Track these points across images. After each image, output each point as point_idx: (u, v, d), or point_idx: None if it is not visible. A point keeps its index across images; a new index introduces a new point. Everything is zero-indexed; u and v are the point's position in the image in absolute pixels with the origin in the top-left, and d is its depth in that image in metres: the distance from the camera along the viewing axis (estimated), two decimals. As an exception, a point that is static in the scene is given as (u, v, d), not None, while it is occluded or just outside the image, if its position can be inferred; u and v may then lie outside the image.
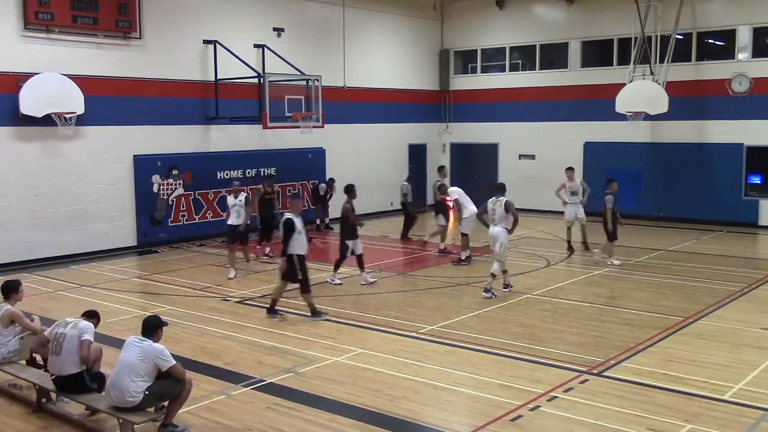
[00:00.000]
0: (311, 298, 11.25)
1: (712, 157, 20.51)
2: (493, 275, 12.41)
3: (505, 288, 12.65)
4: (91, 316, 7.68)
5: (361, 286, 13.35)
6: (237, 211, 14.53)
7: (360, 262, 13.55)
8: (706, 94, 20.74)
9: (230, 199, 14.74)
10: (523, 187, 23.94)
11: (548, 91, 23.57)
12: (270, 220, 16.36)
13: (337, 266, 13.63)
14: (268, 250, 16.49)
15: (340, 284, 13.49)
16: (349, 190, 13.89)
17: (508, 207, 12.51)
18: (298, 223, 11.00)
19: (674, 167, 21.08)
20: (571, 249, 16.50)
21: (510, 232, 12.65)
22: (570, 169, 17.16)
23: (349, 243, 13.46)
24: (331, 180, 20.85)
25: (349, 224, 13.47)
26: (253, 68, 18.74)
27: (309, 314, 11.22)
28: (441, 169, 18.89)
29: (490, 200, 12.82)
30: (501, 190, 12.84)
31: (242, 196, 14.63)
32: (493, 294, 12.29)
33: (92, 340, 7.38)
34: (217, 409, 7.64)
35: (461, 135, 25.83)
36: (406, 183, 19.20)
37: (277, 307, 11.34)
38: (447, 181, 18.85)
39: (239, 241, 14.76)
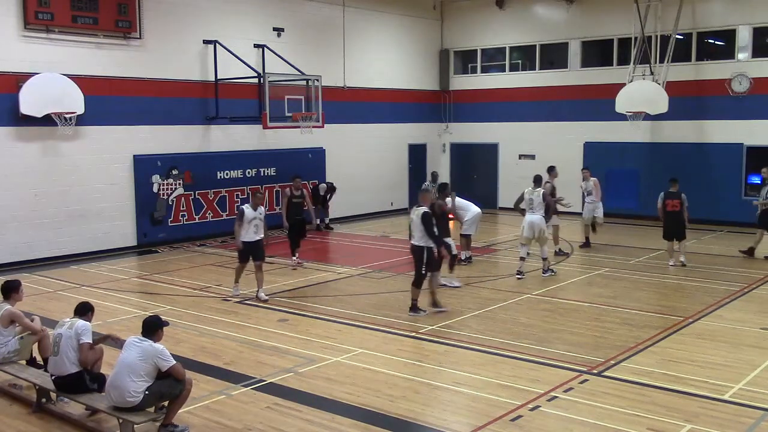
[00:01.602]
0: (419, 293, 11.41)
1: (712, 157, 20.51)
2: (545, 259, 14.04)
3: (544, 273, 13.95)
4: (84, 311, 7.59)
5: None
6: (256, 225, 12.40)
7: (451, 262, 13.22)
8: (706, 94, 20.74)
9: (249, 212, 12.34)
10: (523, 187, 23.96)
11: (548, 91, 23.58)
12: (299, 225, 15.43)
13: (450, 266, 13.19)
14: (295, 258, 15.43)
15: (459, 286, 13.20)
16: (444, 188, 13.73)
17: (544, 197, 14.10)
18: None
19: (674, 167, 21.03)
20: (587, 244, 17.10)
21: (547, 219, 14.11)
22: (584, 170, 17.81)
23: (449, 241, 13.04)
24: (332, 185, 20.81)
25: (445, 223, 13.20)
26: (253, 68, 18.75)
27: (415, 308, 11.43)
28: (434, 175, 19.16)
29: (526, 190, 14.21)
30: (538, 181, 14.39)
31: (262, 209, 12.58)
32: (552, 272, 14.01)
33: (91, 341, 7.36)
34: (217, 409, 7.65)
35: (461, 135, 25.83)
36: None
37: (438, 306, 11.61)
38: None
39: (256, 259, 12.55)
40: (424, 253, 11.11)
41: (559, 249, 16.37)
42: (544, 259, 14.09)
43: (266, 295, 12.48)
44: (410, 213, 11.65)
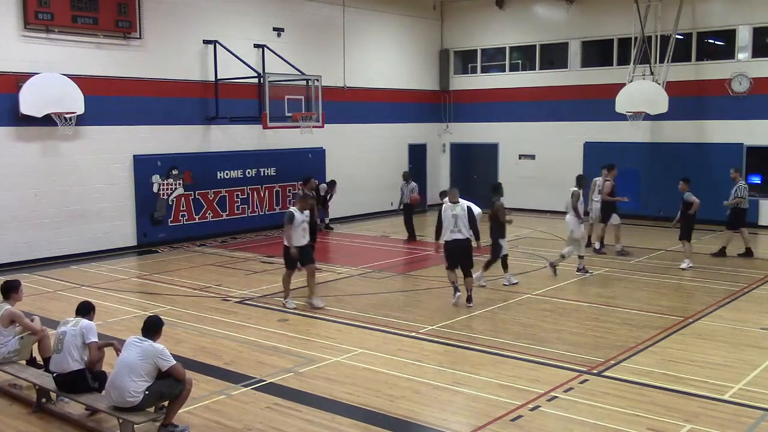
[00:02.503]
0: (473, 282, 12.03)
1: (712, 157, 20.49)
2: (562, 256, 14.11)
3: (578, 271, 14.05)
4: (86, 311, 7.62)
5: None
6: (304, 229, 11.86)
7: (505, 262, 13.35)
8: (706, 94, 20.74)
9: (298, 215, 11.79)
10: (523, 187, 24.03)
11: (548, 91, 23.57)
12: (311, 228, 15.40)
13: (490, 266, 13.34)
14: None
15: (516, 283, 13.32)
16: (497, 188, 13.71)
17: (572, 195, 14.04)
18: (477, 208, 12.16)
19: (674, 167, 21.05)
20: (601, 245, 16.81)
21: (576, 218, 13.87)
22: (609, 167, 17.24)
23: (502, 242, 13.21)
24: (333, 182, 20.84)
25: (501, 223, 13.25)
26: (253, 68, 18.74)
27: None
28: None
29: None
30: (576, 181, 14.54)
31: (307, 211, 12.15)
32: (586, 271, 14.05)
33: (98, 341, 7.41)
34: (217, 409, 7.65)
35: (461, 135, 25.83)
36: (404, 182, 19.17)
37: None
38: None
39: (306, 264, 11.96)
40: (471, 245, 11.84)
41: (622, 248, 16.28)
42: (561, 257, 14.19)
43: (322, 302, 11.94)
44: (444, 210, 11.83)
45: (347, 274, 14.60)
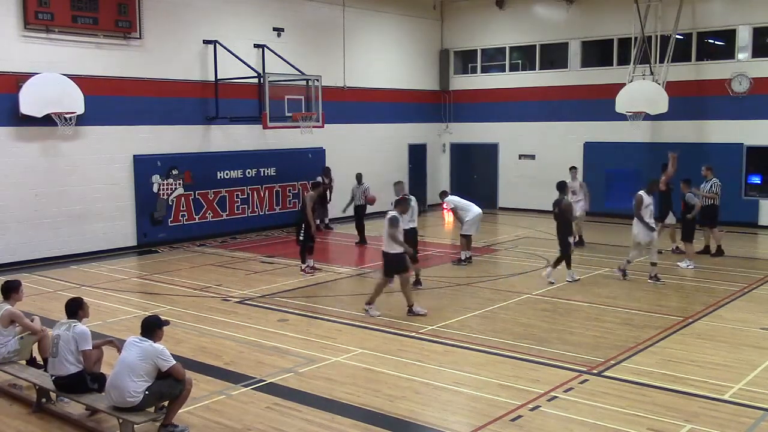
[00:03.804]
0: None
1: (712, 157, 20.39)
2: (652, 264, 13.54)
3: (650, 279, 13.44)
4: (74, 311, 7.47)
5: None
6: (401, 233, 11.33)
7: (569, 259, 13.57)
8: (706, 94, 20.74)
9: (401, 218, 11.35)
10: (523, 187, 24.05)
11: (548, 91, 23.58)
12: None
13: (568, 263, 13.52)
14: (311, 262, 14.83)
15: (578, 279, 13.53)
16: (563, 186, 13.99)
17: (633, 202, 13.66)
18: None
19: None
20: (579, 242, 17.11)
21: (643, 223, 13.39)
22: (573, 169, 17.83)
23: (570, 240, 13.57)
24: (327, 168, 20.50)
25: (569, 221, 13.62)
26: (253, 68, 18.74)
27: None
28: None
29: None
30: (652, 186, 13.96)
31: (406, 215, 11.72)
32: (658, 279, 13.39)
33: (91, 348, 7.33)
34: (217, 409, 7.65)
35: (461, 135, 25.83)
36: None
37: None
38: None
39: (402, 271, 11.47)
40: None
41: (676, 247, 16.29)
42: (627, 262, 13.80)
43: (423, 309, 11.33)
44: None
45: (347, 274, 14.60)
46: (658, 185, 14.73)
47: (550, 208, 14.20)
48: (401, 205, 11.64)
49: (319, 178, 19.87)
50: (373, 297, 11.40)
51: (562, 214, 13.56)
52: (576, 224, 17.25)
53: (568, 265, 13.54)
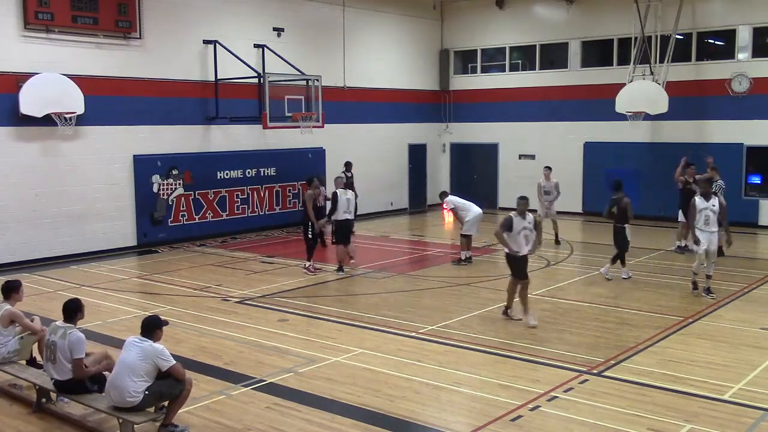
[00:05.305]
0: None
1: (711, 157, 20.48)
2: (708, 276, 12.30)
3: (704, 293, 12.26)
4: (72, 315, 7.41)
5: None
6: (526, 236, 10.81)
7: (624, 257, 13.82)
8: (706, 94, 20.73)
9: (517, 221, 10.76)
10: (523, 187, 23.96)
11: (548, 91, 23.57)
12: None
13: (622, 260, 13.79)
14: (310, 264, 14.78)
15: (630, 276, 13.68)
16: (620, 185, 14.09)
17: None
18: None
19: (674, 167, 21.04)
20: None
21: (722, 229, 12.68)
22: (547, 168, 18.09)
23: (629, 237, 13.78)
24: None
25: (628, 219, 13.74)
26: (253, 68, 18.74)
27: None
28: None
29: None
30: (707, 191, 12.50)
31: (531, 216, 10.96)
32: (710, 292, 12.23)
33: (83, 356, 7.20)
34: (217, 409, 7.65)
35: (461, 135, 25.83)
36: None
37: None
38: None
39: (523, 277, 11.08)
40: None
41: (685, 245, 16.25)
42: (707, 276, 12.41)
43: (535, 320, 10.77)
44: (340, 195, 14.34)
45: (347, 274, 14.60)
46: (710, 185, 13.39)
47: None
48: (522, 203, 10.91)
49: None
50: (509, 301, 11.16)
51: (622, 212, 13.64)
52: (554, 224, 17.52)
53: (623, 263, 13.76)
